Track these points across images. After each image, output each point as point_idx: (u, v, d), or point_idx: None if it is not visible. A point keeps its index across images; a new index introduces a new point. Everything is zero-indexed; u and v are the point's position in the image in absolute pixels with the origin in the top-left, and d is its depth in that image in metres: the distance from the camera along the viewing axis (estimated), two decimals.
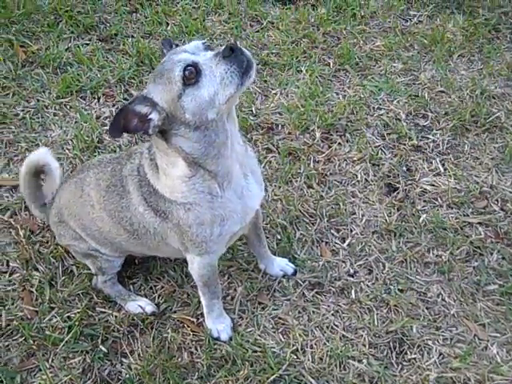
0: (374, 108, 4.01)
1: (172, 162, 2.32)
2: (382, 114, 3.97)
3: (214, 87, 2.09)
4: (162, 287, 3.09)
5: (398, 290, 3.05)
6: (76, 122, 3.91)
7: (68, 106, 4.02)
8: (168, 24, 4.62)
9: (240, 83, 2.10)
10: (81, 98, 4.09)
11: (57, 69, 4.25)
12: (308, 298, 3.03)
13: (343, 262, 3.19)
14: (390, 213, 3.39)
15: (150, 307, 2.97)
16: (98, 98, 4.09)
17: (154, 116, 2.16)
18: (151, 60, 4.27)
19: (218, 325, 2.87)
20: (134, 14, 4.74)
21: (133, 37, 4.49)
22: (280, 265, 3.11)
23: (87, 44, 4.44)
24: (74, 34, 4.49)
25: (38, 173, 3.05)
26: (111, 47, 4.43)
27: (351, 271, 3.14)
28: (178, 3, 4.82)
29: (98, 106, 4.03)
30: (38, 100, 4.04)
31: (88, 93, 4.09)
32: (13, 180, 3.58)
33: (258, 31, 4.60)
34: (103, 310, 2.99)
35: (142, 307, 2.96)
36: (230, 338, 2.87)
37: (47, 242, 3.25)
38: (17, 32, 4.45)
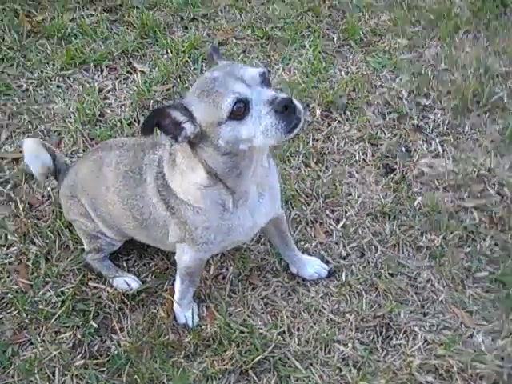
0: (375, 86, 3.98)
1: (192, 168, 2.33)
2: (383, 92, 3.93)
3: (255, 132, 2.08)
4: (156, 264, 3.13)
5: (389, 273, 3.05)
6: (79, 95, 3.93)
7: (71, 79, 4.04)
8: None
9: (281, 138, 2.11)
10: (84, 70, 4.10)
11: (61, 40, 4.27)
12: (298, 279, 3.05)
13: (336, 243, 3.19)
14: (386, 194, 3.38)
15: (135, 283, 3.01)
16: (101, 71, 4.10)
17: (188, 127, 2.16)
18: (155, 32, 4.26)
19: (187, 312, 2.88)
20: None
21: (137, 8, 4.46)
22: (314, 267, 3.04)
23: (92, 14, 4.45)
24: (79, 4, 4.50)
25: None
26: (116, 18, 4.44)
27: (343, 254, 3.15)
28: None
29: (101, 79, 4.04)
30: (42, 71, 4.06)
31: (91, 65, 4.10)
32: (15, 153, 3.62)
33: (263, 3, 4.57)
34: (96, 285, 3.03)
35: (128, 283, 3.00)
36: (198, 325, 2.89)
37: (45, 216, 3.29)
38: (22, 1, 4.45)
